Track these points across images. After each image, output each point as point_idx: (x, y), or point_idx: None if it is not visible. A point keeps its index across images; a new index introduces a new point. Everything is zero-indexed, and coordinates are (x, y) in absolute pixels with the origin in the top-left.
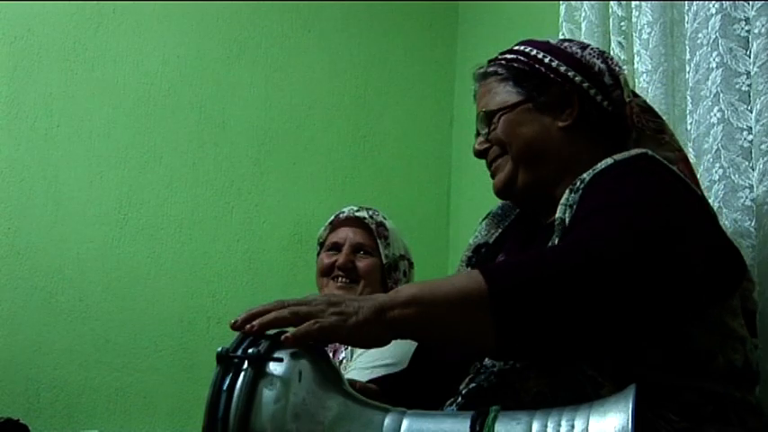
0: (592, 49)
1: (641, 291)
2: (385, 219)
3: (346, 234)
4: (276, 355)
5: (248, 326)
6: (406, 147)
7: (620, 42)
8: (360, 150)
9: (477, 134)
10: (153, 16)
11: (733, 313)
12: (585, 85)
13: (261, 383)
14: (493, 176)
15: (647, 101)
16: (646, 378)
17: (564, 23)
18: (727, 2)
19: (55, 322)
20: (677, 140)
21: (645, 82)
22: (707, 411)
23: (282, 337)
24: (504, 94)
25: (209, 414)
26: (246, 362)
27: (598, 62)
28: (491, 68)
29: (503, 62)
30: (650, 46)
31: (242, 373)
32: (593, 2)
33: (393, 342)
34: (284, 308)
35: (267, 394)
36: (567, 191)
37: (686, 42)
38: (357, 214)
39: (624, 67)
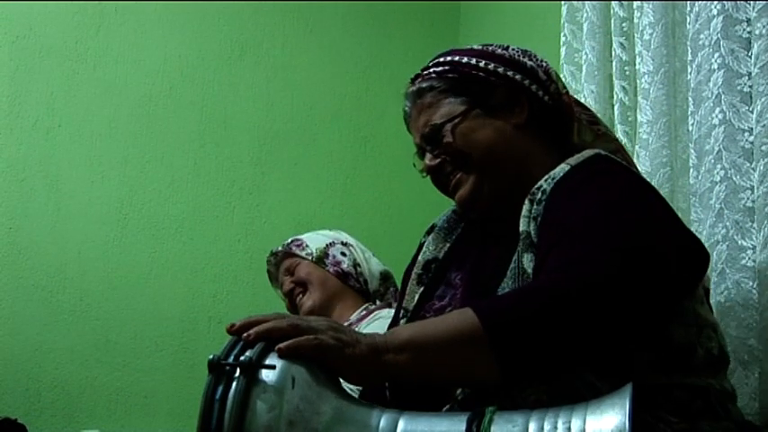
0: (514, 49)
1: (632, 304)
2: (300, 235)
3: (280, 274)
4: (268, 361)
5: (245, 333)
6: (407, 147)
7: (621, 43)
8: (361, 151)
9: (421, 154)
10: (155, 16)
11: (700, 301)
12: (527, 82)
13: (254, 392)
14: (453, 193)
15: (649, 101)
16: (641, 380)
17: (566, 24)
18: (729, 3)
19: (56, 321)
20: (611, 130)
21: (646, 83)
22: (696, 407)
23: (276, 347)
24: (447, 106)
25: (202, 425)
26: (238, 369)
27: (527, 60)
28: (424, 84)
29: (433, 75)
30: (652, 47)
31: (234, 382)
32: (594, 2)
33: (387, 323)
34: (283, 319)
35: (260, 403)
36: (528, 202)
37: (688, 43)
38: (272, 253)
39: (626, 68)
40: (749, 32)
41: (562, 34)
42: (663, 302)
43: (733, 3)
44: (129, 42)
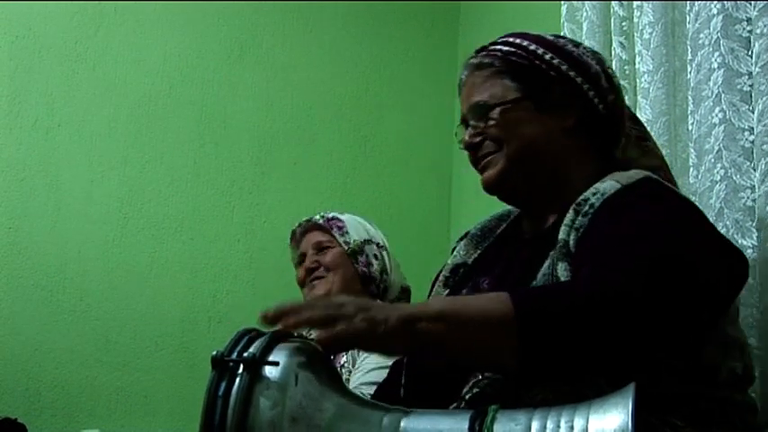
0: (584, 48)
1: (662, 319)
2: (341, 213)
3: (306, 242)
4: (272, 358)
5: (282, 322)
6: (407, 147)
7: (621, 42)
8: (361, 150)
9: (465, 125)
10: (154, 15)
11: (731, 320)
12: (586, 86)
13: (257, 389)
14: (482, 171)
15: (649, 101)
16: (652, 385)
17: (565, 23)
18: (729, 2)
19: (56, 321)
20: (658, 147)
21: (646, 82)
22: (714, 417)
23: (316, 339)
24: (501, 87)
25: (205, 421)
26: (242, 366)
27: (593, 63)
28: (486, 59)
29: (498, 54)
30: (652, 46)
31: (237, 378)
32: (594, 2)
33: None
34: (314, 309)
35: (263, 400)
36: (572, 211)
37: (688, 43)
38: (305, 219)
39: (626, 67)
40: (749, 32)
41: (562, 34)
42: (696, 321)
43: (733, 2)
44: (129, 42)
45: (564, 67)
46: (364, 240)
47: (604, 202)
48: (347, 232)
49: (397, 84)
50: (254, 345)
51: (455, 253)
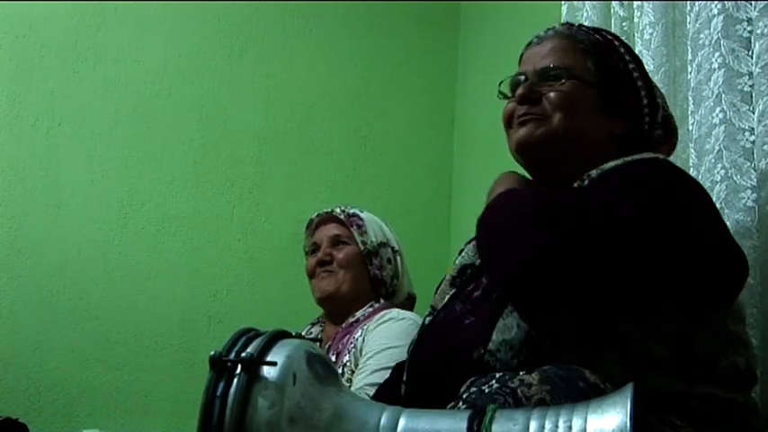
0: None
1: (634, 254)
2: (361, 211)
3: (323, 232)
4: (270, 358)
5: None
6: (407, 146)
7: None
8: (361, 150)
9: (516, 81)
10: (154, 15)
11: (736, 318)
12: (646, 110)
13: (255, 389)
14: (520, 125)
15: None
16: (651, 384)
17: None
18: (729, 2)
19: (56, 321)
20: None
21: None
22: (714, 417)
23: None
24: (582, 65)
25: (203, 421)
26: (240, 366)
27: (662, 97)
28: (579, 34)
29: (591, 37)
30: (652, 46)
31: (235, 379)
32: (594, 2)
33: (398, 325)
34: None
35: (261, 400)
36: (575, 186)
37: (688, 43)
38: (326, 211)
39: None
40: (750, 32)
41: None
42: (667, 286)
43: (733, 2)
44: (129, 42)
45: (639, 83)
46: (381, 243)
47: (602, 172)
48: (366, 232)
49: (398, 83)
50: (253, 345)
51: (463, 254)
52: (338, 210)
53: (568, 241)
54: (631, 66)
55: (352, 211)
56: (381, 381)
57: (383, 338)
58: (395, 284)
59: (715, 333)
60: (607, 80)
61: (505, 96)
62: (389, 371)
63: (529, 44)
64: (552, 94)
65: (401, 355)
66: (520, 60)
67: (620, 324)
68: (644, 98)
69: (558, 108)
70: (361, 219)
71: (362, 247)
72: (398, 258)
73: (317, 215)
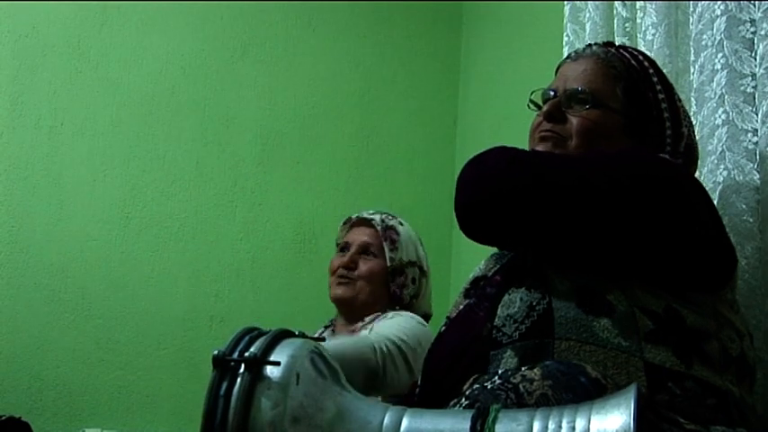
0: (684, 107)
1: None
2: (401, 224)
3: (356, 235)
4: (273, 357)
5: None
6: (409, 146)
7: (624, 43)
8: (363, 150)
9: (546, 97)
10: (157, 15)
11: (729, 306)
12: (668, 132)
13: (258, 388)
14: (540, 140)
15: None
16: (648, 357)
17: (568, 24)
18: (733, 3)
19: (58, 320)
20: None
21: None
22: (709, 404)
23: None
24: (610, 89)
25: (206, 421)
26: (243, 366)
27: (688, 127)
28: (613, 59)
29: (624, 61)
30: (654, 47)
31: (239, 378)
32: (597, 2)
33: (404, 319)
34: None
35: (264, 400)
36: None
37: (691, 44)
38: (368, 216)
39: None
40: (753, 33)
41: (564, 34)
42: (651, 252)
43: (736, 3)
44: (132, 41)
45: (665, 115)
46: (410, 261)
47: None
48: (397, 248)
49: (400, 84)
50: (256, 344)
51: (477, 267)
52: (378, 218)
53: (547, 184)
54: (661, 96)
55: (391, 222)
56: (400, 343)
57: (395, 324)
58: (412, 304)
59: (702, 312)
60: (634, 108)
61: (536, 106)
62: (400, 341)
63: (567, 57)
64: (575, 120)
65: (404, 329)
66: (556, 71)
67: (607, 293)
68: (668, 129)
69: (578, 134)
70: (397, 233)
71: (389, 263)
72: (424, 280)
73: (357, 216)
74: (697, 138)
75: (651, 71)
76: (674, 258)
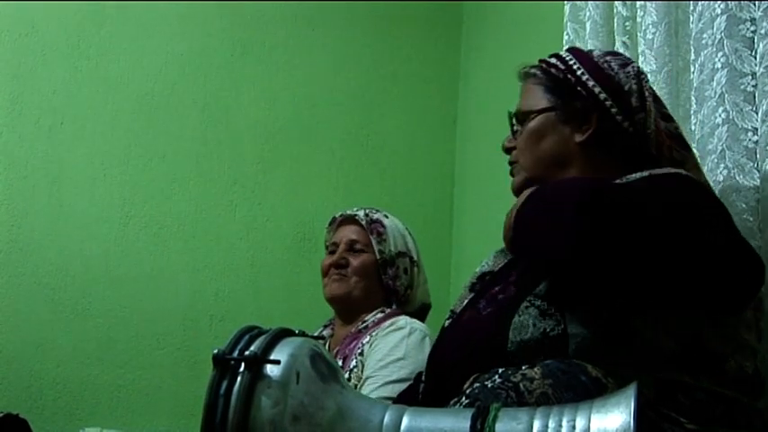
0: (632, 67)
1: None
2: (386, 217)
3: (343, 234)
4: (273, 356)
5: None
6: (409, 146)
7: (624, 42)
8: (363, 149)
9: (513, 129)
10: (157, 14)
11: (748, 326)
12: (608, 103)
13: (258, 387)
14: (511, 174)
15: None
16: (657, 376)
17: (568, 23)
18: (733, 2)
19: (58, 319)
20: (702, 172)
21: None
22: (717, 412)
23: None
24: (537, 98)
25: (206, 419)
26: (243, 364)
27: (632, 82)
28: (533, 70)
29: (543, 65)
30: (655, 46)
31: (239, 377)
32: (597, 1)
33: (400, 338)
34: None
35: (265, 398)
36: None
37: (691, 43)
38: (351, 213)
39: None
40: (753, 32)
41: (565, 33)
42: (685, 277)
43: (737, 2)
44: (132, 40)
45: (590, 84)
46: (399, 252)
47: (628, 183)
48: (385, 240)
49: (400, 83)
50: (256, 343)
51: (484, 262)
52: (362, 213)
53: (609, 230)
54: (579, 72)
55: (375, 216)
56: (393, 394)
57: (393, 349)
58: (408, 294)
59: (726, 335)
60: (559, 97)
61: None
62: (400, 384)
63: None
64: (519, 140)
65: (411, 366)
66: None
67: (633, 321)
68: (600, 93)
69: (522, 150)
70: (383, 226)
71: (379, 256)
72: (415, 269)
73: (341, 215)
74: (697, 137)
75: (568, 57)
76: (709, 279)
